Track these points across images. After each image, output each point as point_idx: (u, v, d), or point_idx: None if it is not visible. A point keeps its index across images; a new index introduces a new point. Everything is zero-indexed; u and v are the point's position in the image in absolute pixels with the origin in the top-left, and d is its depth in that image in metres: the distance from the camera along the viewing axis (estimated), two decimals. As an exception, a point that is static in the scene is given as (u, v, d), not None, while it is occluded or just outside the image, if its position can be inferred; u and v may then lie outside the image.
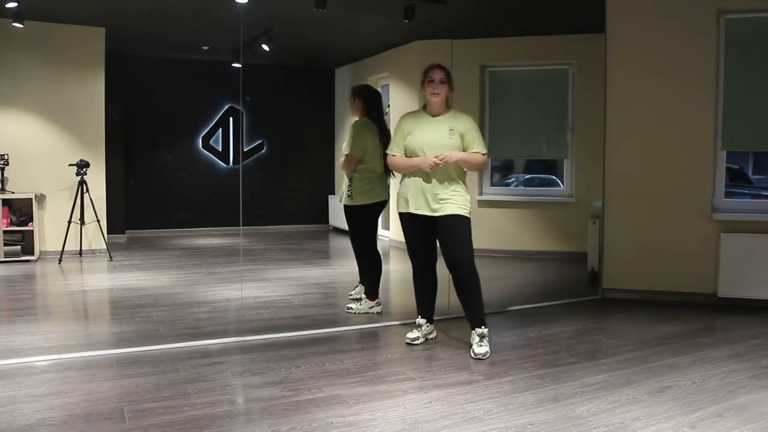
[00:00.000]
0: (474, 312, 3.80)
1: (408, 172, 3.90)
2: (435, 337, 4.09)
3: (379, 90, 8.73)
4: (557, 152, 7.62)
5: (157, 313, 4.70)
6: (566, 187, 7.62)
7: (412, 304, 4.14)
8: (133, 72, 8.52)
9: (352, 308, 4.77)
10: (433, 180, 3.79)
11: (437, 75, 3.81)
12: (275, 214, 9.39)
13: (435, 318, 4.15)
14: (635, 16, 5.20)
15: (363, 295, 4.82)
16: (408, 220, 3.93)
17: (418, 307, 4.08)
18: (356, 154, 4.54)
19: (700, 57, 5.04)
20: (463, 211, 3.79)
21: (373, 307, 4.76)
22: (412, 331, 4.02)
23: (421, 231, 3.91)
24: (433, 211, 3.79)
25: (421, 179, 3.82)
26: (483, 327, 3.77)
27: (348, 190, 4.60)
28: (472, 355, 3.68)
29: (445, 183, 3.79)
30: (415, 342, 3.95)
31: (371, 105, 4.69)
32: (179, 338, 4.03)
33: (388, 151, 4.00)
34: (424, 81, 3.85)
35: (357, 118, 4.72)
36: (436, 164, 3.71)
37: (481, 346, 3.70)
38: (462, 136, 3.81)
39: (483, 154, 3.82)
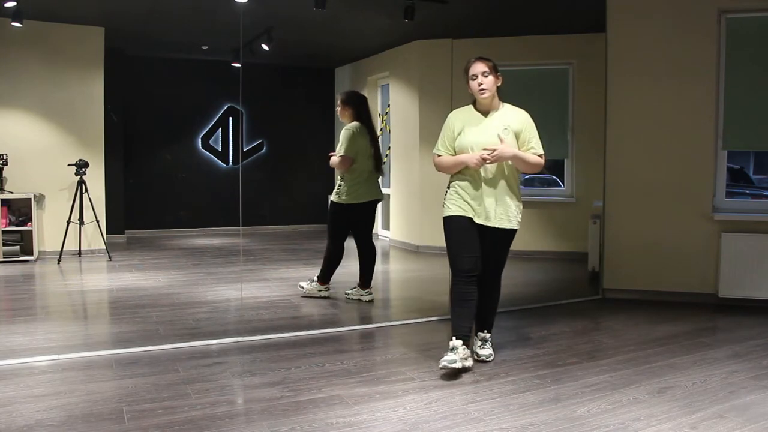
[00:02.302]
0: (485, 316, 3.70)
1: (456, 178, 3.55)
2: (471, 366, 3.46)
3: (379, 90, 8.81)
4: (557, 152, 7.61)
5: (156, 313, 4.69)
6: (566, 187, 7.61)
7: (412, 304, 4.13)
8: (133, 72, 8.51)
9: (303, 287, 5.18)
10: (484, 186, 3.43)
11: (479, 68, 3.44)
12: (275, 214, 9.39)
13: (435, 318, 4.11)
14: (636, 16, 5.19)
15: (316, 280, 5.17)
16: (454, 222, 3.48)
17: (456, 325, 3.43)
18: (350, 154, 4.85)
19: (700, 56, 5.03)
20: (514, 225, 3.48)
21: (322, 290, 5.11)
22: (447, 354, 3.34)
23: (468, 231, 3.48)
24: (485, 220, 3.43)
25: (470, 185, 3.46)
26: (487, 332, 3.71)
27: (338, 189, 4.97)
28: (475, 357, 3.64)
29: (499, 191, 3.44)
30: (453, 365, 3.29)
31: (360, 110, 4.99)
32: (179, 338, 4.02)
33: (434, 151, 3.60)
34: (468, 80, 3.49)
35: (347, 122, 5.01)
36: (485, 160, 3.36)
37: (483, 348, 3.66)
38: (517, 135, 3.47)
39: (540, 155, 3.49)
